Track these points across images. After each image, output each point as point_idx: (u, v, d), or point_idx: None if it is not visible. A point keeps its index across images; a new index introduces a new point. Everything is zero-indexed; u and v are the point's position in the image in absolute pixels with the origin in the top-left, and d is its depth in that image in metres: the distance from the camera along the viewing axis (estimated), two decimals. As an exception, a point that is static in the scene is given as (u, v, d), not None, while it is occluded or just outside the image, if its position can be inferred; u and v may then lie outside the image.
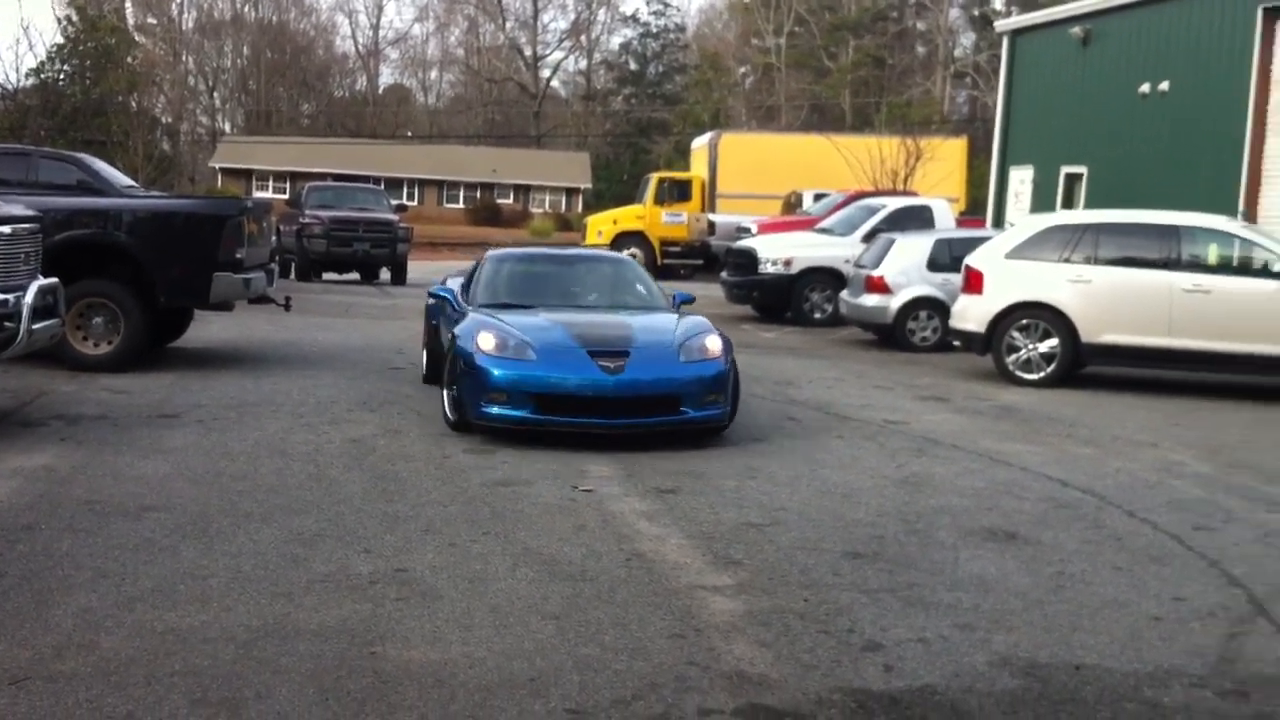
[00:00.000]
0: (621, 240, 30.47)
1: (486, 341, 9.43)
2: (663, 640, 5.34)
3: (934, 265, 16.66)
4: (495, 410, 9.23)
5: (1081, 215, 15.90)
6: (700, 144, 35.05)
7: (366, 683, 4.79)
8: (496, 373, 9.22)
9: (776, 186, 29.64)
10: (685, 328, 9.93)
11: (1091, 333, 13.22)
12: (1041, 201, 25.10)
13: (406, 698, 4.68)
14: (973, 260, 14.13)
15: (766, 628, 5.55)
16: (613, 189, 67.17)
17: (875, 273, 16.86)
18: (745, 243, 21.55)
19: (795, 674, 5.03)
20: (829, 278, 19.59)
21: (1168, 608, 6.03)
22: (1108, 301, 13.22)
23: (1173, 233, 13.46)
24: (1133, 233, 13.74)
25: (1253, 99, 19.92)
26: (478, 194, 71.23)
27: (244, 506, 7.27)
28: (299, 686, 4.73)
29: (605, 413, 9.19)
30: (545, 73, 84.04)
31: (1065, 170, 24.86)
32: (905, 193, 26.36)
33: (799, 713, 4.67)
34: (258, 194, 61.62)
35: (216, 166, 69.47)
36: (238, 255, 12.02)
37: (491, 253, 11.67)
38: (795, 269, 19.72)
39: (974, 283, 13.88)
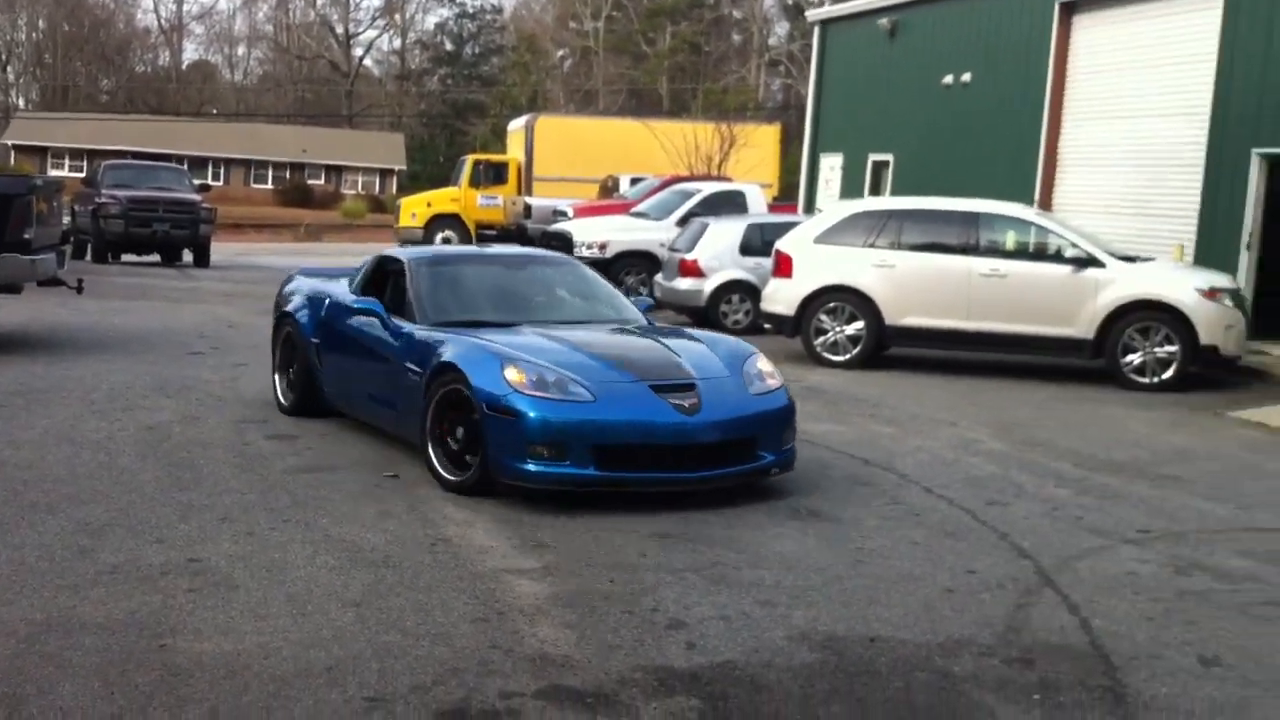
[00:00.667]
0: (436, 223, 30.13)
1: (515, 375, 7.25)
2: (466, 625, 5.28)
3: (746, 250, 16.91)
4: (538, 468, 7.07)
5: (886, 202, 16.34)
6: (517, 127, 34.89)
7: (155, 676, 4.62)
8: (542, 418, 7.07)
9: (593, 170, 29.70)
10: (725, 349, 8.23)
11: (895, 315, 13.59)
12: (850, 188, 25.71)
13: (197, 690, 4.52)
14: (782, 245, 14.38)
15: (571, 609, 5.54)
16: (428, 171, 66.42)
17: (689, 256, 17.03)
18: (560, 226, 21.53)
19: (598, 654, 5.03)
20: (644, 261, 19.70)
21: (960, 580, 6.22)
22: (910, 285, 13.60)
23: (972, 219, 13.91)
24: (934, 219, 14.16)
25: (1049, 91, 20.74)
26: (287, 174, 69.60)
27: (29, 496, 6.94)
28: (84, 681, 4.54)
29: (685, 464, 7.33)
30: (358, 51, 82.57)
31: (873, 158, 25.49)
32: (720, 178, 26.69)
33: (601, 692, 4.67)
34: (53, 172, 58.97)
35: (9, 144, 66.37)
36: (25, 235, 11.48)
37: (411, 254, 9.23)
38: (610, 253, 19.78)
39: (783, 267, 14.12)
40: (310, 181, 68.47)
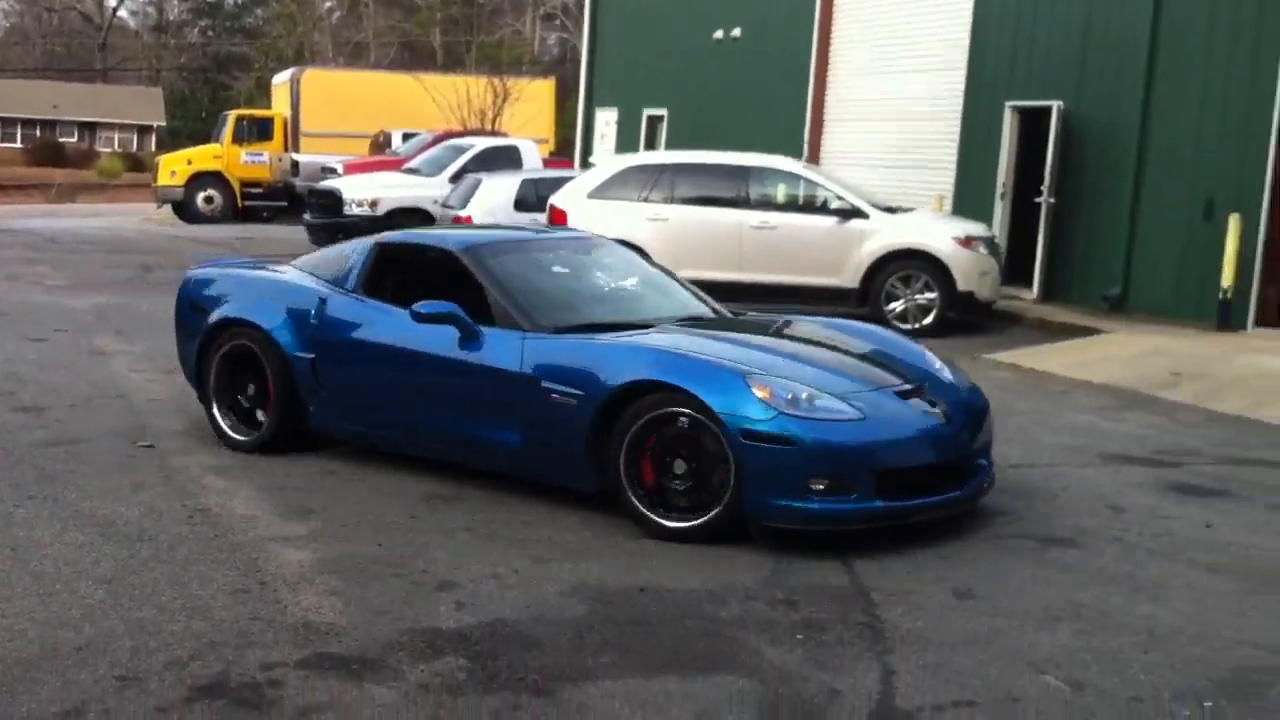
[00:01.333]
0: (198, 181, 28.99)
1: (763, 393, 5.91)
2: (225, 597, 5.11)
3: (521, 205, 16.78)
4: (821, 506, 5.85)
5: (658, 156, 16.44)
6: (282, 80, 33.75)
7: (-120, 669, 4.31)
8: (824, 443, 5.83)
9: (363, 126, 28.99)
10: (884, 338, 7.35)
11: (669, 269, 13.67)
12: (625, 142, 25.84)
13: (-72, 681, 4.24)
14: (557, 200, 14.33)
15: (337, 575, 5.42)
16: (189, 127, 63.86)
17: (462, 213, 16.81)
18: (329, 183, 20.96)
19: (365, 620, 4.93)
20: (417, 219, 19.35)
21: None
22: (684, 239, 13.74)
23: (742, 173, 14.13)
24: (706, 173, 14.33)
25: (815, 48, 21.21)
26: (37, 132, 65.96)
27: None
28: None
29: (951, 482, 6.30)
30: (111, 2, 78.51)
31: (648, 112, 25.67)
32: (494, 133, 26.43)
33: (366, 658, 4.57)
34: None
35: None
36: None
37: (456, 242, 7.33)
38: (382, 210, 19.36)
39: (558, 221, 14.07)
40: (63, 139, 65.00)
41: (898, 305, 13.57)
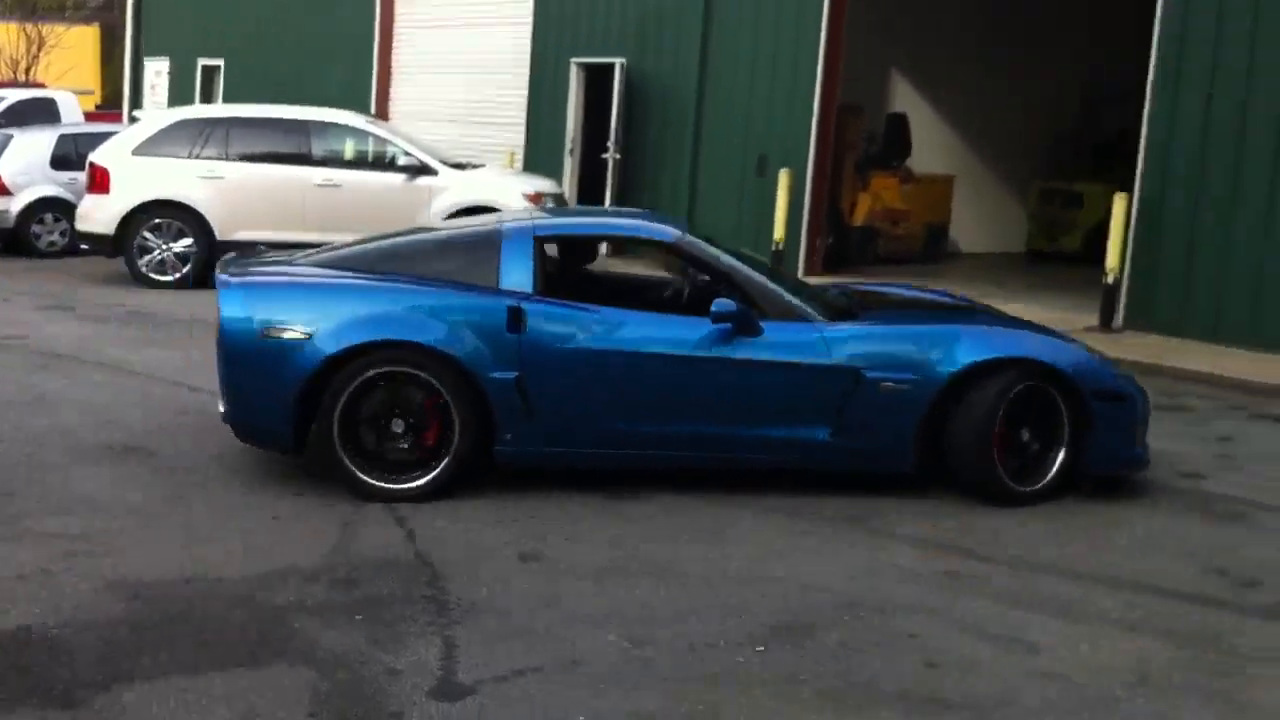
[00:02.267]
0: None
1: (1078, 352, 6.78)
2: None
3: (59, 163, 15.40)
4: (1142, 451, 6.75)
5: (211, 109, 15.50)
6: None
7: None
8: (1143, 398, 6.76)
9: None
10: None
11: (227, 230, 12.95)
12: (179, 95, 24.34)
13: None
14: (97, 157, 13.21)
15: None
16: None
17: (-6, 172, 15.23)
18: None
19: None
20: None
21: (287, 506, 5.97)
22: (242, 198, 13.03)
23: (303, 128, 13.54)
24: (264, 128, 13.62)
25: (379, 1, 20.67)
26: None
27: None
28: None
29: None
30: None
31: (203, 62, 24.27)
32: (30, 84, 24.22)
33: None
34: None
35: None
36: None
37: (663, 230, 6.77)
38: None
39: (100, 181, 12.99)
40: None
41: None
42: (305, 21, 22.14)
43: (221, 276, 6.36)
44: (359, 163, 13.77)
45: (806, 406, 6.30)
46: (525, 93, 18.04)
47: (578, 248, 7.53)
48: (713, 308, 6.17)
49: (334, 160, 13.60)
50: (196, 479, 6.34)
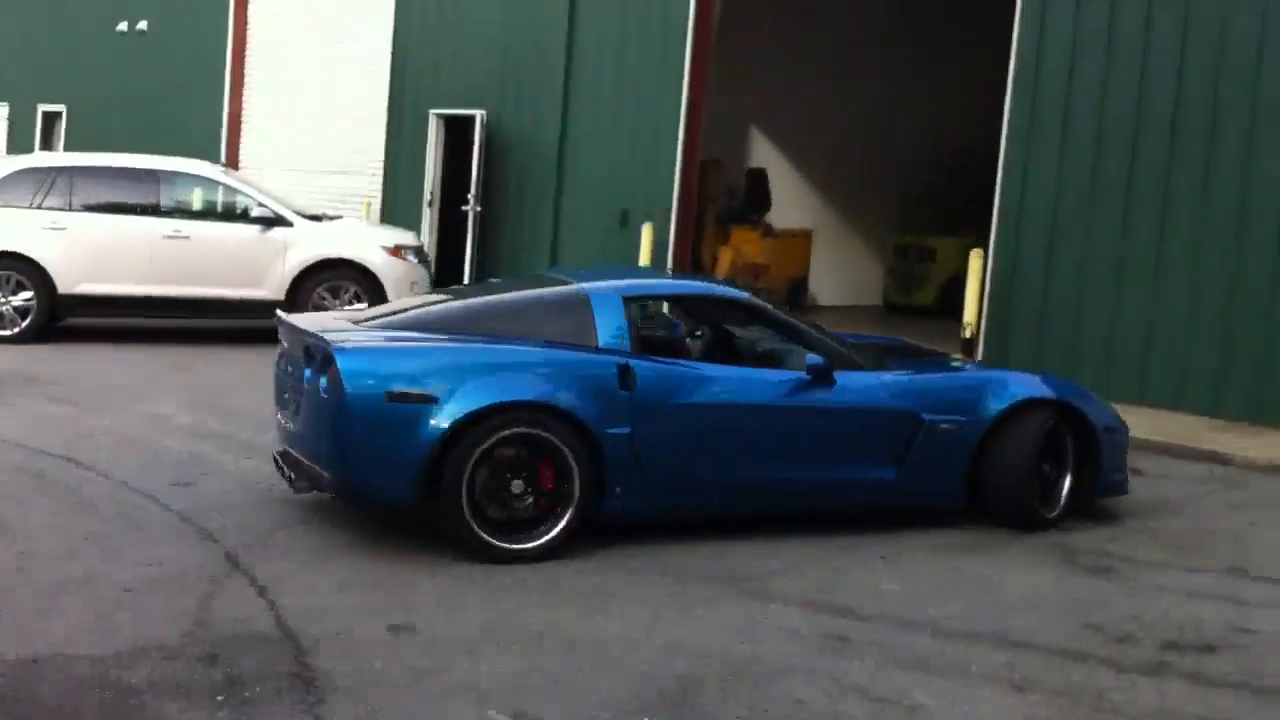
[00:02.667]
0: None
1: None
2: None
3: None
4: (1123, 477, 7.70)
5: (54, 158, 14.93)
6: None
7: None
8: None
9: None
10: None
11: (70, 282, 12.43)
12: (19, 141, 23.48)
13: None
14: (-68, 206, 12.57)
15: None
16: None
17: None
18: None
19: None
20: None
21: (141, 576, 5.64)
22: (86, 249, 12.52)
23: (151, 177, 13.10)
24: (111, 176, 13.13)
25: (230, 45, 20.24)
26: None
27: None
28: None
29: None
30: None
31: (43, 108, 23.47)
32: None
33: None
34: None
35: None
36: None
37: (729, 290, 7.46)
38: None
39: (-68, 231, 12.35)
40: None
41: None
42: (151, 68, 21.57)
43: (330, 339, 6.14)
44: (209, 213, 13.40)
45: (878, 449, 6.86)
46: (383, 142, 17.80)
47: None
48: (808, 361, 6.69)
49: (183, 211, 13.19)
50: (40, 546, 5.97)
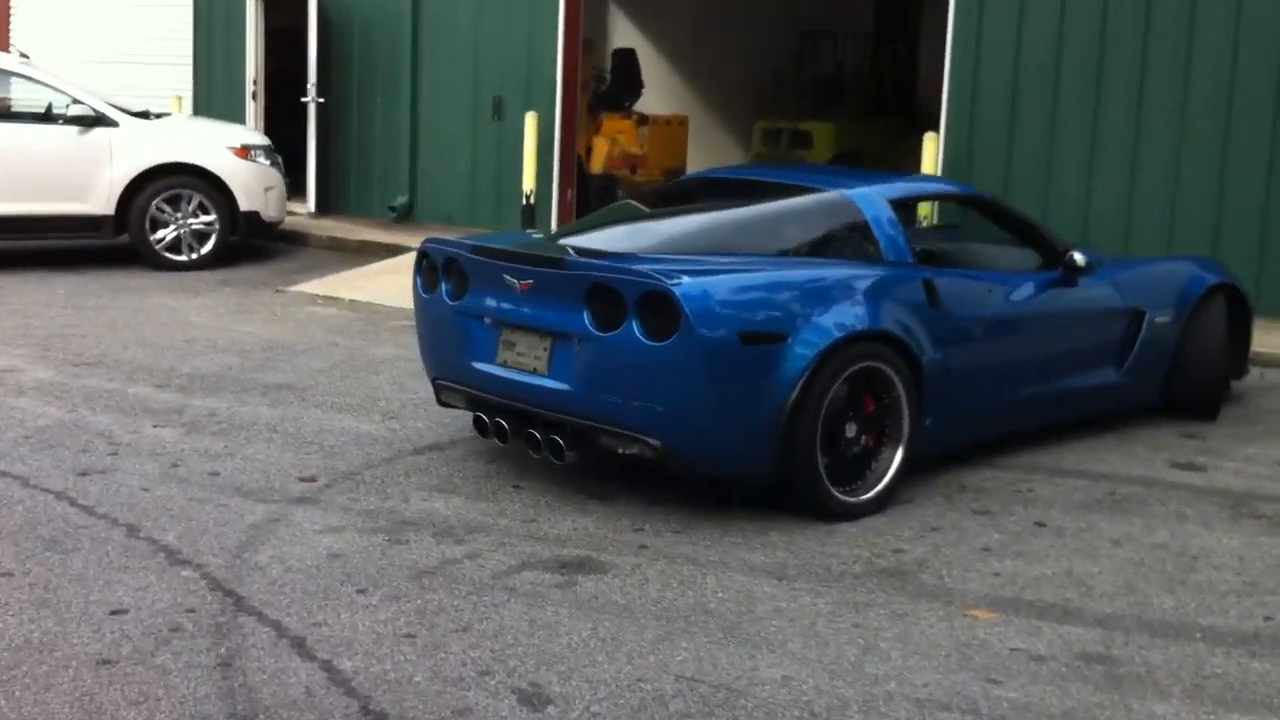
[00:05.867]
0: None
1: None
2: None
3: None
4: None
5: None
6: None
7: None
8: None
9: None
10: None
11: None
12: None
13: None
14: None
15: None
16: None
17: None
18: None
19: None
20: None
21: (110, 632, 3.95)
22: None
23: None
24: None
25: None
26: None
27: None
28: None
29: None
30: None
31: None
32: None
33: None
34: None
35: None
36: None
37: (961, 185, 7.39)
38: None
39: None
40: None
41: (167, 233, 11.07)
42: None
43: (653, 272, 4.84)
44: (10, 114, 11.11)
45: (1109, 351, 6.45)
46: (189, 26, 15.42)
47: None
48: (1078, 260, 6.15)
49: (-24, 111, 10.89)
50: (-61, 598, 4.18)
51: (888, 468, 5.29)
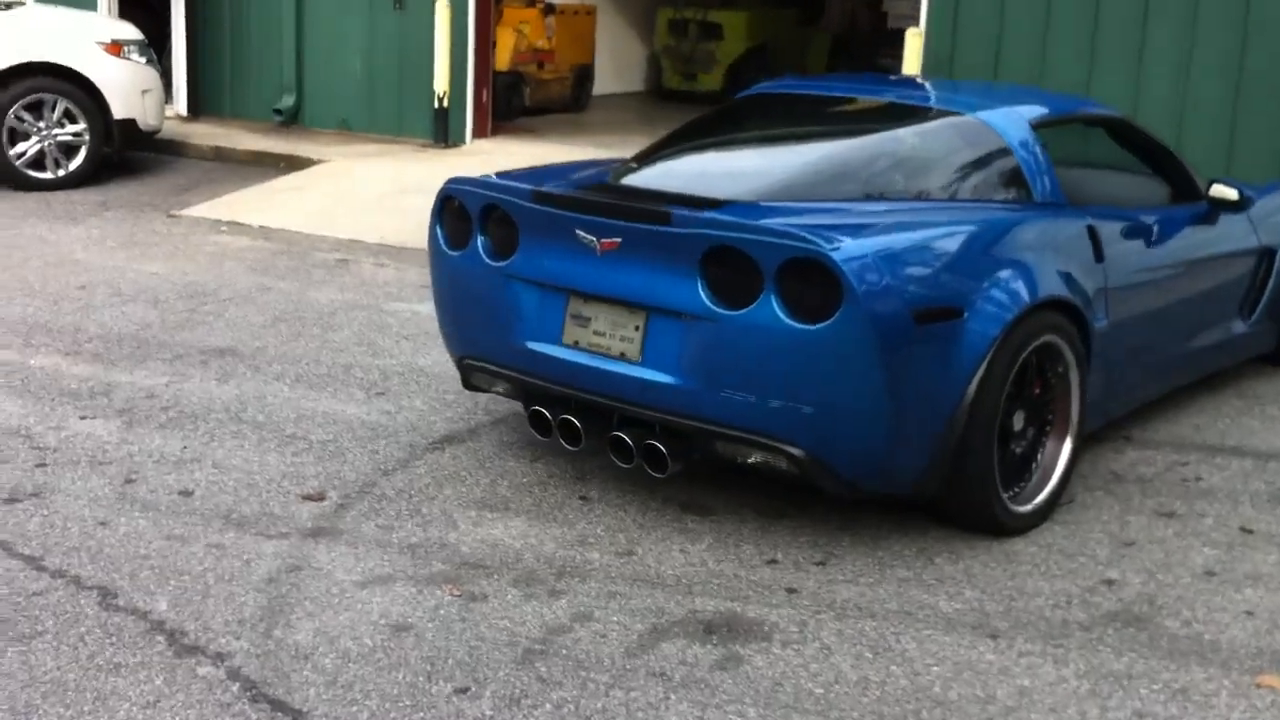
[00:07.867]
0: None
1: None
2: None
3: None
4: None
5: None
6: None
7: None
8: None
9: None
10: None
11: None
12: None
13: None
14: None
15: None
16: None
17: None
18: None
19: None
20: None
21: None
22: None
23: None
24: None
25: None
26: None
27: None
28: None
29: None
30: None
31: None
32: None
33: None
34: None
35: None
36: None
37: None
38: None
39: None
40: None
41: (30, 147, 9.38)
42: None
43: (817, 237, 3.62)
44: None
45: (1238, 297, 5.52)
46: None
47: None
48: (1227, 193, 5.15)
49: None
50: None
51: (1054, 465, 4.25)
